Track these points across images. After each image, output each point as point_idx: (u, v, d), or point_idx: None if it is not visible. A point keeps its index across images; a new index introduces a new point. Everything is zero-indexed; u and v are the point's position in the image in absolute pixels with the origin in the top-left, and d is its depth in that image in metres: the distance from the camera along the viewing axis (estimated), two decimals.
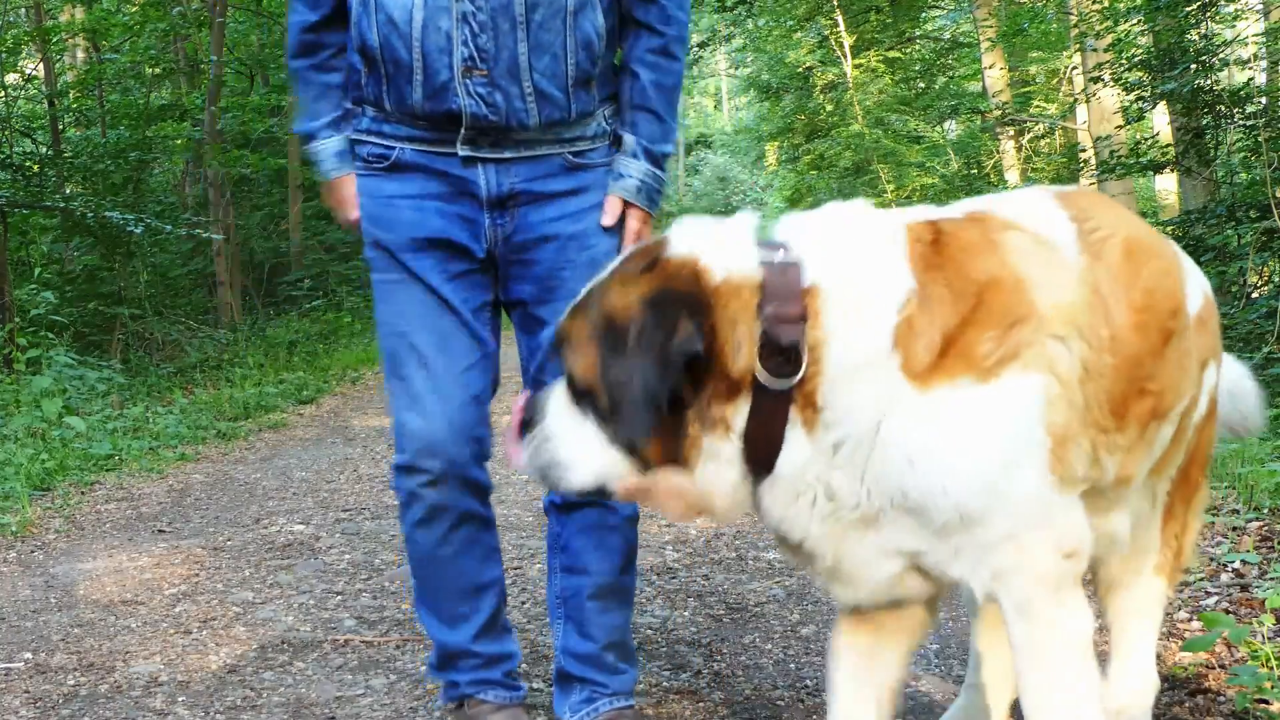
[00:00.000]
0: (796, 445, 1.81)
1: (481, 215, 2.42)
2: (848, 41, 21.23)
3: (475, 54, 2.30)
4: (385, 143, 2.42)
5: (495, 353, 2.55)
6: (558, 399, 1.92)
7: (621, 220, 2.50)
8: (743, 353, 1.77)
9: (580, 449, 1.89)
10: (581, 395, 1.88)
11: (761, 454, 1.83)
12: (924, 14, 21.59)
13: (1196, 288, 2.17)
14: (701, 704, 2.85)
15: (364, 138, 2.45)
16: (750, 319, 1.78)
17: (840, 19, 21.19)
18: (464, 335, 2.46)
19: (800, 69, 24.05)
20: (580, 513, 2.56)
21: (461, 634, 2.61)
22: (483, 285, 2.48)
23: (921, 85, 21.72)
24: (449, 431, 2.45)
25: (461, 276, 2.45)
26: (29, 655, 3.45)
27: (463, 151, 2.38)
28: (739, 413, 1.80)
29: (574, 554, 2.59)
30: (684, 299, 1.79)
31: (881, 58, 21.25)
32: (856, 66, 21.21)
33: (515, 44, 2.31)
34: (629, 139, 2.50)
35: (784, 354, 1.76)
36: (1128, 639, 2.28)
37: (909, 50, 22.08)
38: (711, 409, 1.80)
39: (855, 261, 1.83)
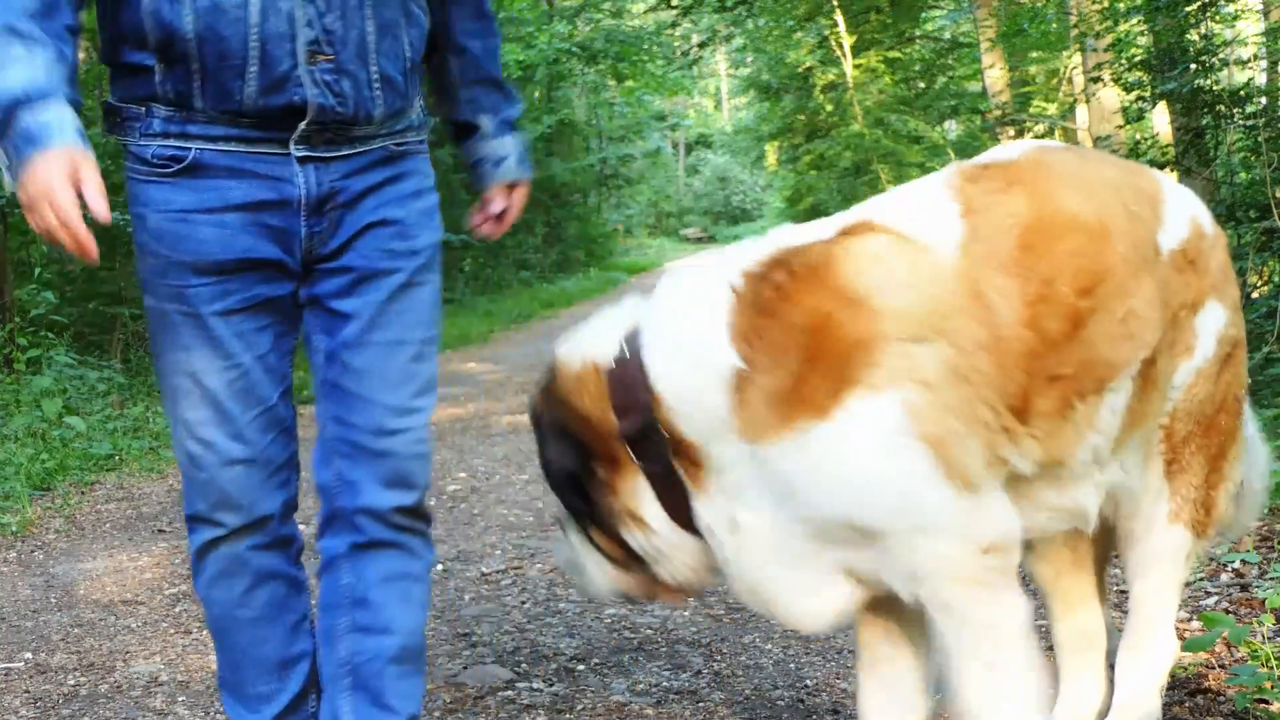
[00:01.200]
0: (703, 503, 1.96)
1: (297, 222, 2.03)
2: (848, 41, 21.24)
3: (322, 36, 1.95)
4: (181, 144, 1.98)
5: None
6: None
7: (430, 207, 2.22)
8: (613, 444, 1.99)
9: (588, 559, 2.14)
10: None
11: (682, 519, 1.98)
12: (924, 14, 21.59)
13: (1179, 225, 2.09)
14: (701, 704, 2.85)
15: (148, 142, 1.99)
16: (609, 416, 1.98)
17: (840, 19, 21.20)
18: (263, 370, 2.08)
19: (800, 69, 24.06)
20: (382, 558, 2.16)
21: (260, 718, 2.23)
22: (291, 307, 2.11)
23: (921, 85, 21.73)
24: (248, 480, 2.10)
25: (269, 304, 2.06)
26: (29, 655, 3.45)
27: (297, 151, 1.99)
28: (641, 491, 2.00)
29: (374, 609, 2.17)
30: (558, 417, 2.04)
31: (881, 58, 21.25)
32: (856, 66, 21.22)
33: (363, 22, 1.99)
34: (485, 120, 2.31)
35: (642, 437, 1.95)
36: (1137, 597, 2.21)
37: (909, 50, 22.08)
38: (620, 495, 2.00)
39: (681, 349, 1.95)
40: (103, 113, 2.05)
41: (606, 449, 2.00)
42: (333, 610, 2.19)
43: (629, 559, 2.07)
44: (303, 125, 1.98)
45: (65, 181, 1.78)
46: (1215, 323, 2.13)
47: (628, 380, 1.96)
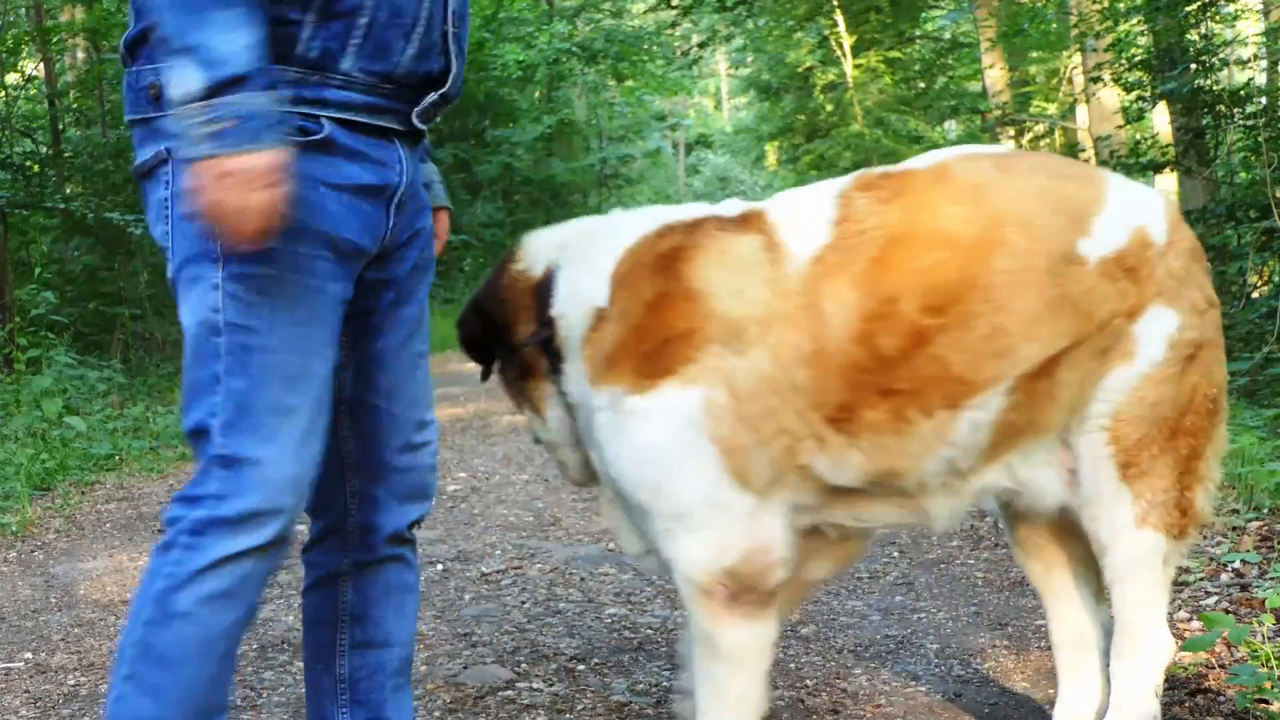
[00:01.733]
0: (572, 421, 2.19)
1: (385, 214, 1.93)
2: (848, 41, 21.25)
3: (458, 6, 1.93)
4: (311, 112, 1.81)
5: None
6: None
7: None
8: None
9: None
10: None
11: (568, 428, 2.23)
12: (924, 14, 21.59)
13: (1113, 234, 2.07)
14: None
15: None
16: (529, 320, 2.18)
17: (840, 19, 21.20)
18: (332, 383, 1.92)
19: (800, 69, 24.06)
20: (384, 573, 2.12)
21: None
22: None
23: (921, 85, 21.73)
24: (305, 487, 1.89)
25: (347, 301, 1.93)
26: (29, 655, 3.45)
27: (418, 123, 1.93)
28: (547, 391, 2.21)
29: (375, 623, 2.12)
30: (493, 302, 2.23)
31: (881, 58, 21.25)
32: (856, 66, 21.22)
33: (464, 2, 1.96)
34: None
35: (544, 347, 2.14)
36: (1118, 603, 2.19)
37: (909, 50, 22.09)
38: (532, 387, 2.23)
39: (580, 276, 2.14)
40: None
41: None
42: (325, 627, 2.12)
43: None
44: (433, 96, 1.91)
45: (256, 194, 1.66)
46: (1164, 328, 2.08)
47: (541, 296, 2.15)
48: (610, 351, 2.03)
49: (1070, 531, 2.27)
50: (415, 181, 1.99)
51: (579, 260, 2.15)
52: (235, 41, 1.64)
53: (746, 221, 2.08)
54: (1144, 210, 2.12)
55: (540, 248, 2.23)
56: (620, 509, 2.19)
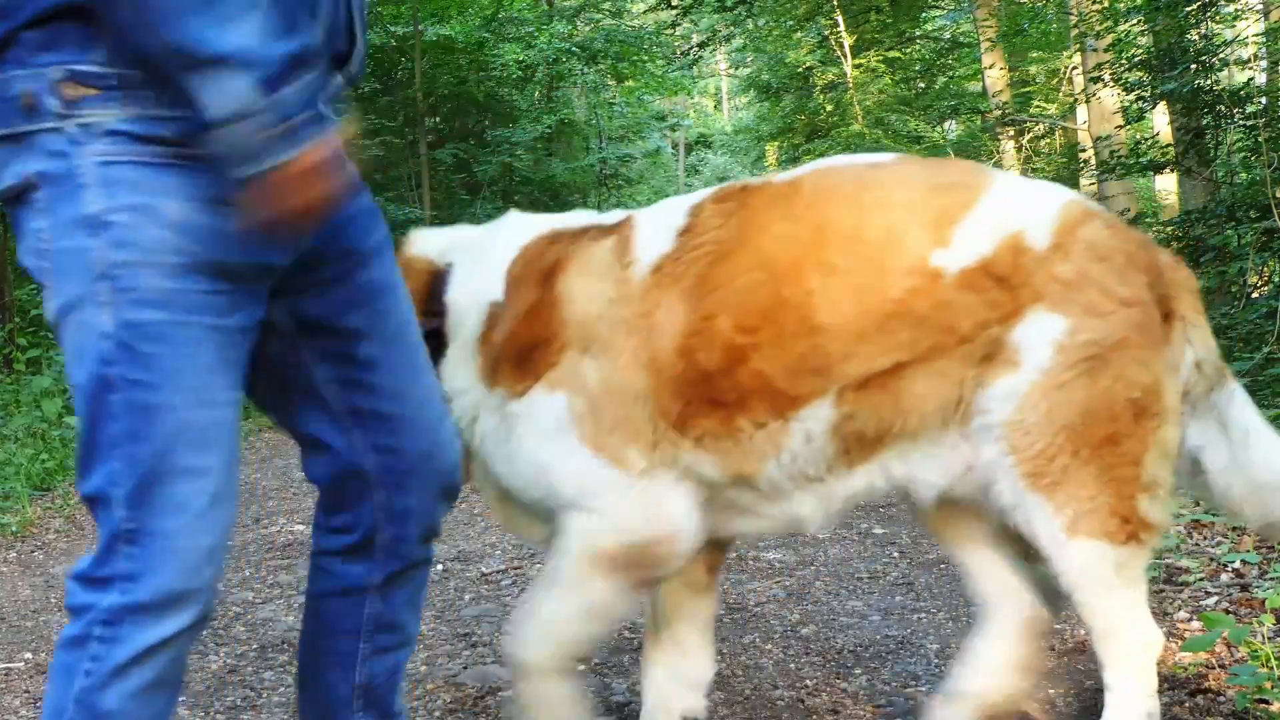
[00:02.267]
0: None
1: None
2: (848, 41, 21.24)
3: None
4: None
5: None
6: None
7: None
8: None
9: None
10: None
11: None
12: (924, 14, 21.59)
13: (977, 243, 2.04)
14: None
15: (166, 114, 1.54)
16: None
17: (840, 19, 21.20)
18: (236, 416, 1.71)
19: (800, 69, 24.05)
20: (409, 579, 2.00)
21: None
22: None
23: (921, 85, 21.72)
24: (222, 554, 1.72)
25: (261, 322, 1.71)
26: (29, 655, 3.45)
27: (324, 110, 1.64)
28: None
29: (399, 627, 2.02)
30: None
31: (881, 58, 21.25)
32: (856, 66, 21.22)
33: None
34: None
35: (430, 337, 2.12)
36: (1081, 615, 2.17)
37: (909, 50, 22.08)
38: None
39: (477, 269, 2.22)
40: (76, 82, 1.54)
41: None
42: (347, 636, 1.98)
43: None
44: (339, 78, 1.69)
45: (316, 187, 1.55)
46: (1049, 333, 2.03)
47: (435, 287, 2.23)
48: (497, 354, 2.15)
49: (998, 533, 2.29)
50: None
51: (478, 255, 2.23)
52: (257, 34, 1.48)
53: (615, 228, 2.16)
54: (1021, 215, 2.08)
55: (434, 243, 2.33)
56: (512, 503, 2.27)
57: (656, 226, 2.14)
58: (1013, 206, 2.09)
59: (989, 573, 2.35)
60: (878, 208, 2.07)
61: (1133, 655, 2.15)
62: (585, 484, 2.09)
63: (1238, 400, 2.28)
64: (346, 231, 1.75)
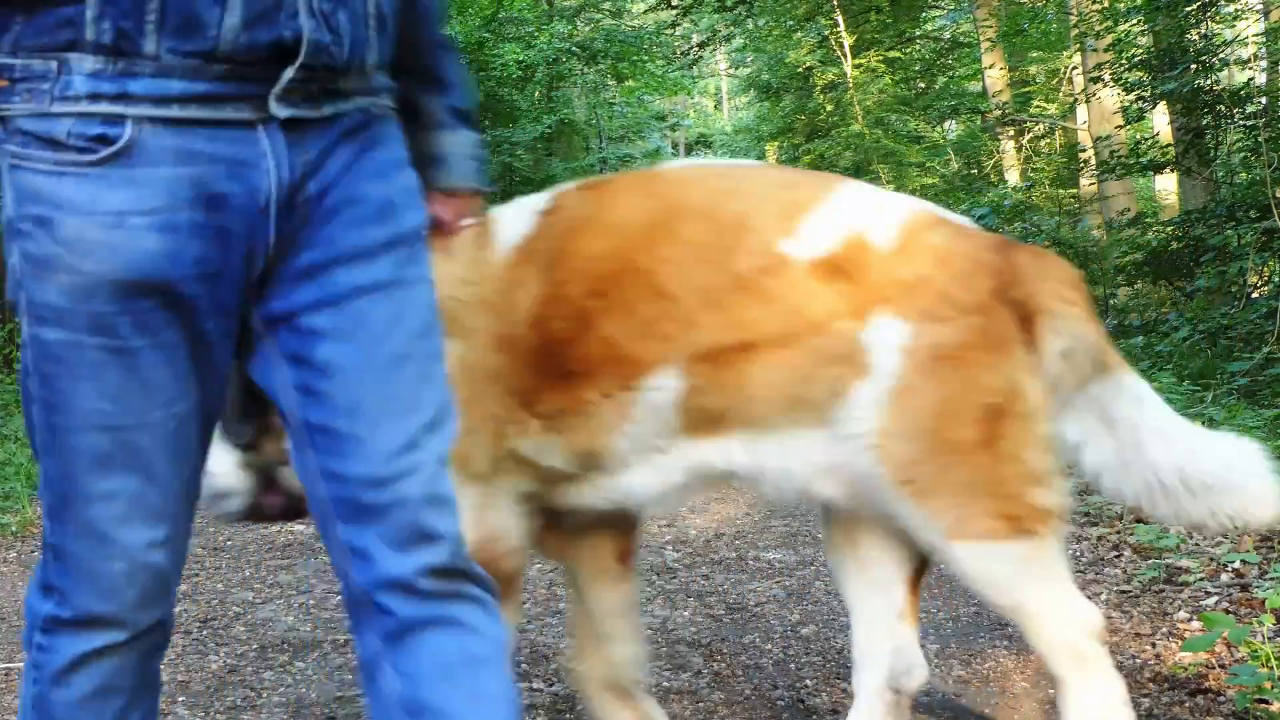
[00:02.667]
0: None
1: (265, 225, 1.46)
2: (848, 41, 21.25)
3: None
4: (114, 111, 1.38)
5: None
6: None
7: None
8: None
9: None
10: None
11: None
12: (924, 14, 21.60)
13: (824, 237, 2.06)
14: (701, 704, 2.85)
15: (69, 108, 1.38)
16: None
17: (840, 19, 21.21)
18: (201, 417, 1.54)
19: (800, 69, 24.06)
20: (427, 642, 1.57)
21: None
22: (231, 333, 1.54)
23: (921, 85, 21.74)
24: (168, 565, 1.56)
25: (220, 329, 1.51)
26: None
27: (279, 111, 1.43)
28: None
29: (437, 716, 1.54)
30: None
31: (881, 58, 21.25)
32: (856, 66, 21.22)
33: None
34: (432, 103, 1.73)
35: None
36: (1009, 616, 2.13)
37: (909, 50, 22.10)
38: None
39: None
40: None
41: None
42: None
43: None
44: (290, 72, 1.42)
45: None
46: (894, 337, 2.02)
47: None
48: None
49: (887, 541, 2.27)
50: (324, 169, 1.50)
51: None
52: None
53: (498, 214, 2.20)
54: (866, 217, 2.10)
55: None
56: None
57: (520, 209, 2.19)
58: (859, 209, 2.12)
59: (868, 629, 2.32)
60: (732, 194, 2.14)
61: (1065, 642, 2.09)
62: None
63: (1129, 394, 2.17)
64: (332, 220, 1.52)
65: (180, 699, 3.05)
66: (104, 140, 1.38)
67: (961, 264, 2.06)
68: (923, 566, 2.33)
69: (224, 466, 2.11)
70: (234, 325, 1.53)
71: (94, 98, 1.37)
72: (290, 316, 1.54)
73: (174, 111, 1.39)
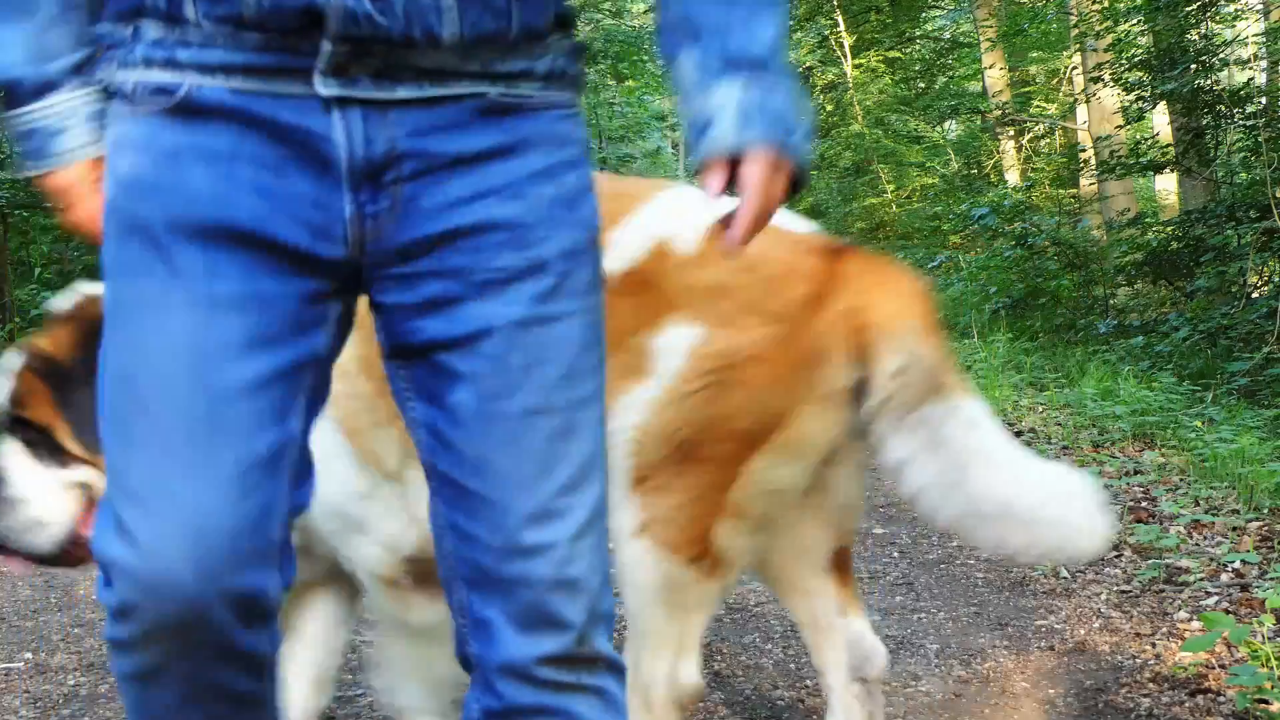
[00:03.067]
0: None
1: (338, 196, 1.31)
2: (848, 41, 21.25)
3: None
4: (171, 74, 1.30)
5: (304, 439, 1.40)
6: None
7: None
8: None
9: None
10: None
11: None
12: (924, 14, 21.61)
13: (629, 248, 1.99)
14: (701, 704, 2.85)
15: (131, 72, 1.33)
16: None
17: (840, 19, 21.21)
18: (256, 402, 1.32)
19: (800, 69, 24.05)
20: None
21: None
22: (318, 319, 1.36)
23: (921, 85, 21.74)
24: (200, 561, 1.30)
25: (279, 303, 1.33)
26: (29, 655, 3.45)
27: (324, 89, 1.28)
28: None
29: None
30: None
31: (881, 58, 21.26)
32: (856, 66, 21.22)
33: None
34: (690, 55, 1.41)
35: None
36: (629, 620, 2.05)
37: (909, 50, 22.11)
38: None
39: None
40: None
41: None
42: None
43: None
44: (328, 44, 1.26)
45: (66, 200, 1.42)
46: (682, 341, 1.95)
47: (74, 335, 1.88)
48: None
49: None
50: (424, 149, 1.32)
51: None
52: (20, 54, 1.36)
53: None
54: (674, 223, 2.01)
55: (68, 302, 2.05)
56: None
57: None
58: (669, 215, 2.03)
59: (815, 636, 2.29)
60: None
61: (648, 687, 2.01)
62: (346, 486, 1.94)
63: (962, 418, 2.04)
64: (458, 244, 1.34)
65: None
66: (164, 91, 1.31)
67: (772, 269, 1.96)
68: (841, 557, 2.25)
69: (41, 488, 1.87)
70: (299, 304, 1.34)
71: (148, 63, 1.31)
72: (426, 351, 1.39)
73: (220, 81, 1.29)
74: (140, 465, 1.32)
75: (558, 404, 1.37)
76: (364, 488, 1.97)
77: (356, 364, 1.89)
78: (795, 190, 1.41)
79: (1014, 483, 2.00)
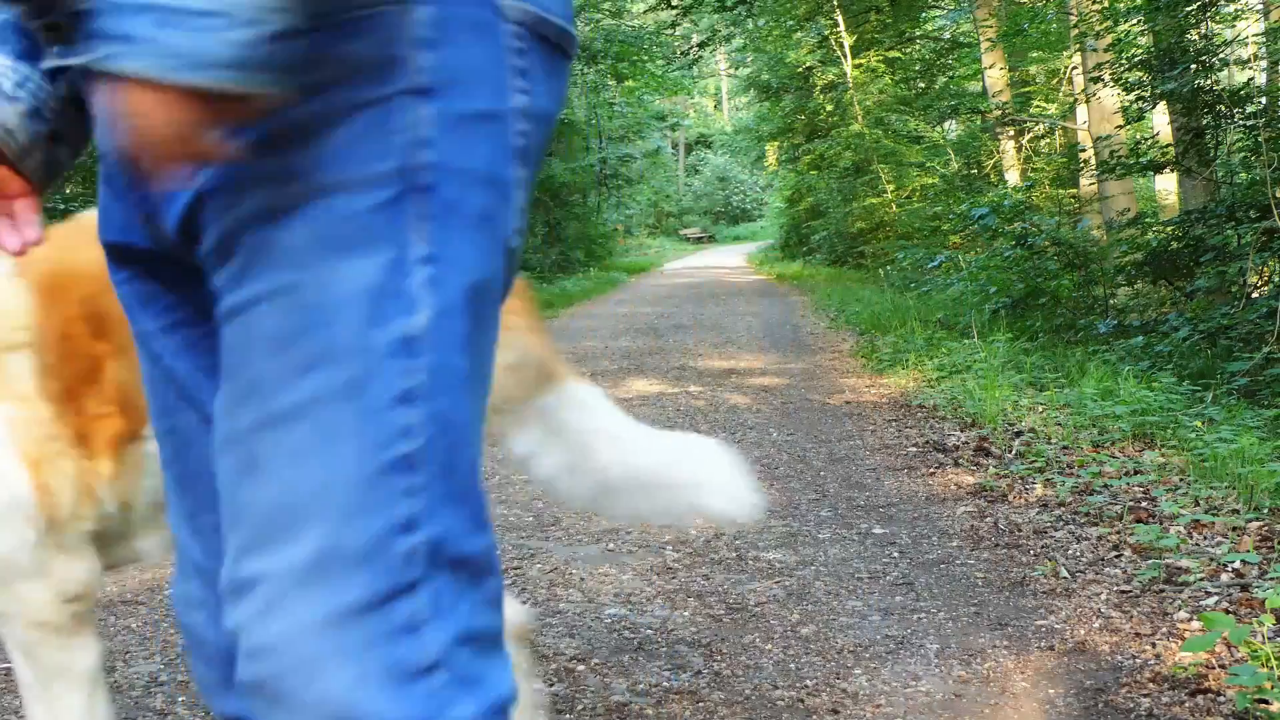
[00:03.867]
0: None
1: (119, 188, 1.22)
2: (848, 41, 21.25)
3: None
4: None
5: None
6: None
7: None
8: None
9: None
10: None
11: None
12: (924, 14, 21.61)
13: None
14: (701, 704, 2.86)
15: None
16: None
17: (840, 19, 21.21)
18: (204, 434, 1.17)
19: (800, 69, 24.08)
20: None
21: None
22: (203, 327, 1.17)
23: (921, 85, 21.76)
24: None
25: (183, 319, 1.20)
26: None
27: (48, 60, 1.09)
28: None
29: None
30: None
31: (881, 58, 21.27)
32: (856, 66, 21.22)
33: None
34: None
35: None
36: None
37: (909, 50, 22.12)
38: None
39: None
40: None
41: None
42: None
43: None
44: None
45: None
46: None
47: None
48: None
49: None
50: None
51: None
52: None
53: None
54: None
55: None
56: None
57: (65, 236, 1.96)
58: None
59: None
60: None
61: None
62: (19, 534, 1.80)
63: (576, 400, 2.07)
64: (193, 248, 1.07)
65: (180, 699, 3.05)
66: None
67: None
68: None
69: None
70: (190, 316, 1.18)
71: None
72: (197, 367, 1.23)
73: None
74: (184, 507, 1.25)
75: (242, 423, 1.02)
76: (42, 524, 1.81)
77: (35, 390, 1.79)
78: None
79: (638, 453, 2.03)
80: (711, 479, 1.98)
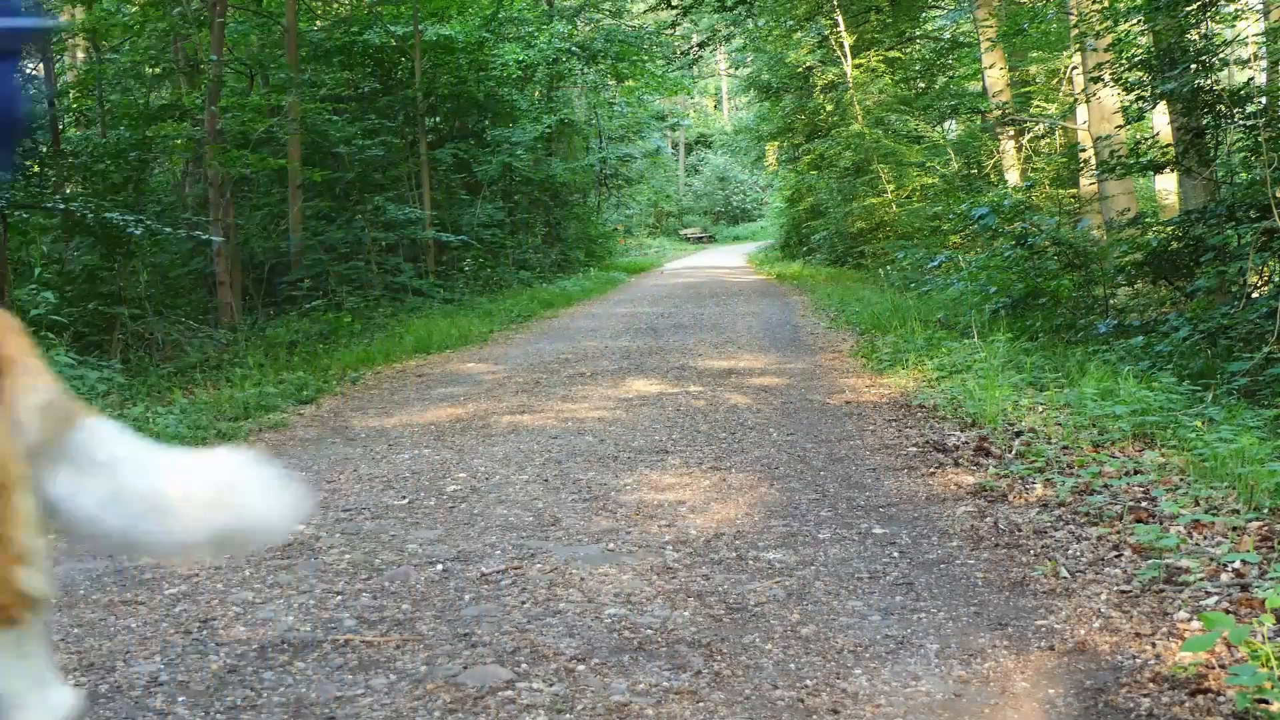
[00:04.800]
0: None
1: None
2: (848, 41, 21.25)
3: None
4: None
5: None
6: None
7: None
8: None
9: None
10: None
11: None
12: (924, 14, 21.61)
13: None
14: (701, 704, 2.86)
15: None
16: None
17: (840, 19, 21.21)
18: None
19: (800, 69, 24.08)
20: None
21: None
22: None
23: (921, 85, 21.76)
24: None
25: None
26: None
27: None
28: None
29: None
30: None
31: (881, 58, 21.27)
32: (856, 66, 21.22)
33: None
34: None
35: None
36: None
37: (909, 50, 22.12)
38: None
39: None
40: None
41: None
42: None
43: None
44: None
45: None
46: None
47: None
48: None
49: None
50: None
51: None
52: None
53: None
54: None
55: None
56: None
57: None
58: None
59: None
60: None
61: None
62: None
63: (99, 435, 2.11)
64: None
65: (180, 699, 3.05)
66: None
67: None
68: None
69: None
70: None
71: None
72: None
73: None
74: None
75: None
76: None
77: None
78: None
79: (166, 474, 2.02)
80: (254, 488, 1.97)
